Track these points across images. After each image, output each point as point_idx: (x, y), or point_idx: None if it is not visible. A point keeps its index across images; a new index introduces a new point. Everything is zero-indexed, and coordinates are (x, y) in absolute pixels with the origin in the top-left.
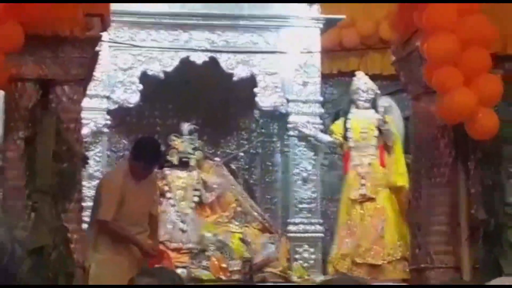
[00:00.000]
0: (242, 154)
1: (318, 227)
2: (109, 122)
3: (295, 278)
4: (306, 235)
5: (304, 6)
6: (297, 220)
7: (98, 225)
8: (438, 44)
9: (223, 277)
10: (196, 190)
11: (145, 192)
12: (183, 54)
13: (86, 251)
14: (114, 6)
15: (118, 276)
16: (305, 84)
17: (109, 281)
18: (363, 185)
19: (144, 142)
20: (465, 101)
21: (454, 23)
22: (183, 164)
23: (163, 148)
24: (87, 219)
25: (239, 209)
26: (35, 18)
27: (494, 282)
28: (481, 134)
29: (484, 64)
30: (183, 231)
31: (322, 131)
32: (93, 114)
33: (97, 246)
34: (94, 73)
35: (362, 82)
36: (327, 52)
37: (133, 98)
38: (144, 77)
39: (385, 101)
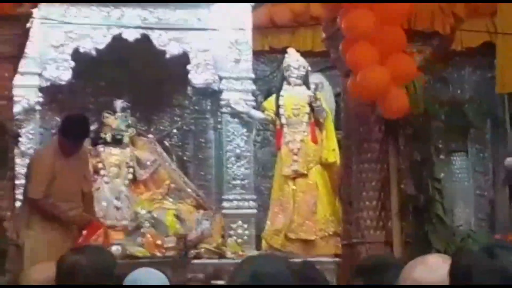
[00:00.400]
0: (175, 131)
1: (252, 203)
2: (41, 99)
3: (229, 254)
4: (239, 211)
5: None
6: (230, 197)
7: (28, 203)
8: (354, 20)
9: (158, 254)
10: (129, 167)
11: (76, 168)
12: (115, 31)
13: (19, 228)
14: None
15: (52, 253)
16: (237, 61)
17: (43, 258)
18: (295, 161)
19: (70, 118)
20: (378, 79)
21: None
22: (117, 141)
23: (96, 125)
24: (20, 196)
25: (173, 185)
26: None
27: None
28: (391, 113)
29: (399, 42)
30: (117, 208)
31: (254, 108)
32: (25, 92)
33: (30, 223)
34: (26, 50)
35: (293, 59)
36: (259, 29)
37: (65, 75)
38: (76, 54)
39: (316, 78)
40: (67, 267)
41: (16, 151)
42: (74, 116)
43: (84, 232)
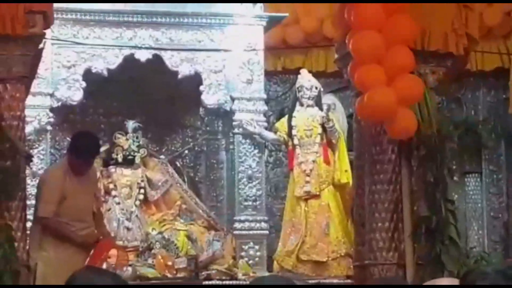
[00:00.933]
0: (187, 151)
1: (263, 225)
2: (52, 119)
3: (240, 275)
4: (251, 232)
5: (247, 4)
6: (242, 218)
7: (39, 222)
8: (362, 41)
9: (169, 275)
10: (141, 188)
11: (86, 187)
12: (127, 52)
13: (31, 249)
14: (57, 4)
15: (65, 274)
16: (249, 81)
17: (55, 279)
18: (307, 182)
19: (80, 136)
20: (385, 100)
21: (380, 22)
22: (128, 162)
23: (107, 146)
24: (31, 217)
25: (184, 206)
26: None
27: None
28: (399, 134)
29: (407, 63)
30: (128, 229)
31: (266, 128)
32: (37, 112)
33: (42, 244)
34: (37, 71)
35: (306, 79)
36: (271, 50)
37: (76, 95)
38: (88, 75)
39: (328, 99)
40: None
41: (27, 171)
42: (84, 134)
43: (96, 249)
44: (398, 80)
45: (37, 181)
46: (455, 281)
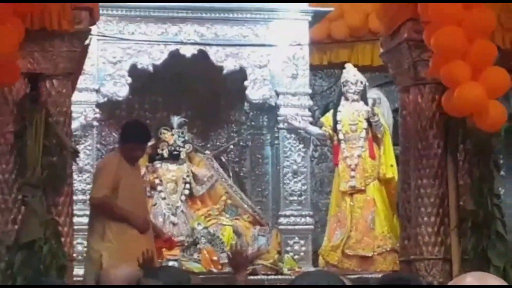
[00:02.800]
0: (232, 146)
1: (309, 219)
2: (98, 115)
3: (286, 270)
4: (296, 227)
5: None
6: (287, 213)
7: (91, 205)
8: (445, 37)
9: (214, 270)
10: (186, 183)
11: (139, 180)
12: (173, 47)
13: (92, 240)
14: None
15: (130, 264)
16: (294, 76)
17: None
18: (353, 177)
19: (130, 123)
20: (475, 95)
21: (459, 16)
22: (173, 157)
23: (153, 141)
24: (78, 212)
25: (229, 201)
26: (26, 12)
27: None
28: (490, 126)
29: (491, 56)
30: (174, 224)
31: (311, 123)
32: (83, 108)
33: (105, 235)
34: (84, 67)
35: (351, 74)
36: (316, 44)
37: (122, 91)
38: (134, 70)
39: (374, 93)
40: None
41: (74, 167)
42: (134, 121)
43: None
44: (485, 74)
45: (84, 177)
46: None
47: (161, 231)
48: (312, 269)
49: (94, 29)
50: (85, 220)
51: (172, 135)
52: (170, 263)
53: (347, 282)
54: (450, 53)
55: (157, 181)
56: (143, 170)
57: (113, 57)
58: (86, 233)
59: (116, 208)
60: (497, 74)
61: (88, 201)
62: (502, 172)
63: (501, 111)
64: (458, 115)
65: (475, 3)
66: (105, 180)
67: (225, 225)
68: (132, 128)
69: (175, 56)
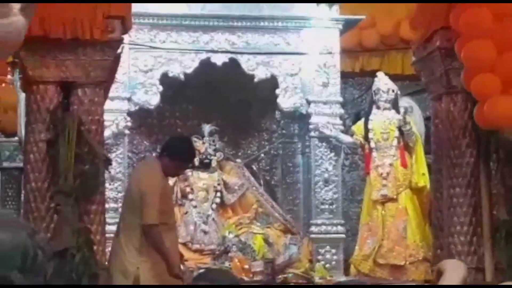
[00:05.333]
0: (263, 155)
1: (340, 228)
2: (130, 123)
3: (317, 279)
4: (328, 236)
5: (323, 6)
6: (319, 221)
7: (144, 228)
8: (475, 50)
9: (246, 278)
10: (217, 191)
11: (170, 190)
12: (204, 56)
13: (128, 253)
14: (134, 8)
15: (164, 280)
16: (325, 85)
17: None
18: (384, 185)
19: (180, 141)
20: (505, 109)
21: (490, 28)
22: (205, 166)
23: None
24: (110, 220)
25: (260, 210)
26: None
27: None
28: None
29: None
30: (205, 232)
31: (342, 131)
32: (114, 116)
33: (142, 250)
34: (115, 75)
35: (382, 82)
36: (347, 53)
37: (153, 99)
38: (165, 79)
39: (405, 102)
40: None
41: (106, 175)
42: (182, 139)
43: None
44: None
45: (116, 185)
46: None
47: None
48: (343, 278)
49: (126, 37)
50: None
51: (203, 143)
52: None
53: None
54: (480, 66)
55: (188, 189)
56: (174, 179)
57: (145, 65)
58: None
59: (161, 244)
60: None
61: (142, 225)
62: None
63: None
64: (488, 128)
65: (506, 14)
66: (155, 202)
67: (256, 233)
68: (183, 145)
69: (206, 64)
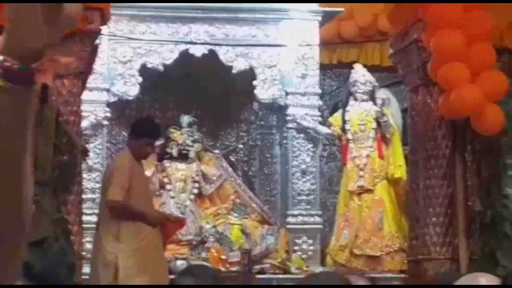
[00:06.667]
0: (241, 146)
1: (317, 219)
2: (108, 114)
3: (293, 270)
4: (305, 226)
5: None
6: (296, 212)
7: (107, 208)
8: (444, 40)
9: (223, 269)
10: (195, 182)
11: (145, 175)
12: (183, 47)
13: (104, 242)
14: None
15: (144, 264)
16: (303, 76)
17: (138, 271)
18: (361, 176)
19: (142, 119)
20: (472, 97)
21: (459, 19)
22: (183, 156)
23: (162, 140)
24: (87, 211)
25: (238, 200)
26: None
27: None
28: (487, 129)
29: (489, 59)
30: None
31: (320, 123)
32: (93, 107)
33: (120, 237)
34: (94, 66)
35: (360, 74)
36: (326, 44)
37: (132, 90)
38: (144, 70)
39: (383, 93)
40: None
41: (83, 166)
42: (143, 118)
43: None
44: (482, 76)
45: (94, 175)
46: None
47: (168, 216)
48: (320, 268)
49: (104, 29)
50: (94, 218)
51: (182, 134)
52: (179, 262)
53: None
54: (449, 55)
55: (166, 180)
56: (152, 169)
57: (124, 56)
58: (94, 232)
59: (133, 209)
60: (495, 77)
61: (104, 203)
62: (510, 172)
63: (498, 114)
64: (454, 117)
65: (475, 5)
66: (120, 181)
67: (233, 224)
68: (144, 124)
69: (185, 55)
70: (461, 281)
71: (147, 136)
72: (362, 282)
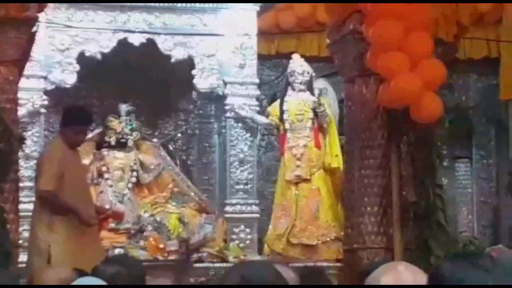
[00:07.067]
0: (179, 135)
1: (254, 208)
2: (46, 102)
3: (231, 258)
4: (242, 215)
5: None
6: (233, 201)
7: (41, 198)
8: (383, 29)
9: (160, 257)
10: (133, 170)
11: (80, 164)
12: (121, 35)
13: (38, 231)
14: None
15: (79, 255)
16: (242, 66)
17: (70, 260)
18: (298, 166)
19: (71, 106)
20: (411, 86)
21: (398, 10)
22: (121, 145)
23: (100, 129)
24: (24, 199)
25: (176, 189)
26: None
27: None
28: (426, 116)
29: (428, 49)
30: None
31: (258, 113)
32: (30, 95)
33: (53, 226)
34: (31, 54)
35: (297, 64)
36: (264, 34)
37: (70, 78)
38: (82, 58)
39: (320, 84)
40: (107, 279)
41: (20, 153)
42: (74, 105)
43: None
44: (421, 65)
45: (31, 163)
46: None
47: (103, 209)
48: (257, 257)
49: (42, 16)
50: (31, 207)
51: (120, 122)
52: (117, 251)
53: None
54: (387, 45)
55: (104, 168)
56: (90, 157)
57: (61, 44)
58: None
59: (65, 203)
60: (433, 66)
61: (37, 192)
62: (445, 163)
63: (436, 103)
64: (394, 106)
65: None
66: (51, 170)
67: (171, 213)
68: (73, 111)
69: (123, 44)
70: (380, 270)
71: (76, 123)
72: (288, 272)
